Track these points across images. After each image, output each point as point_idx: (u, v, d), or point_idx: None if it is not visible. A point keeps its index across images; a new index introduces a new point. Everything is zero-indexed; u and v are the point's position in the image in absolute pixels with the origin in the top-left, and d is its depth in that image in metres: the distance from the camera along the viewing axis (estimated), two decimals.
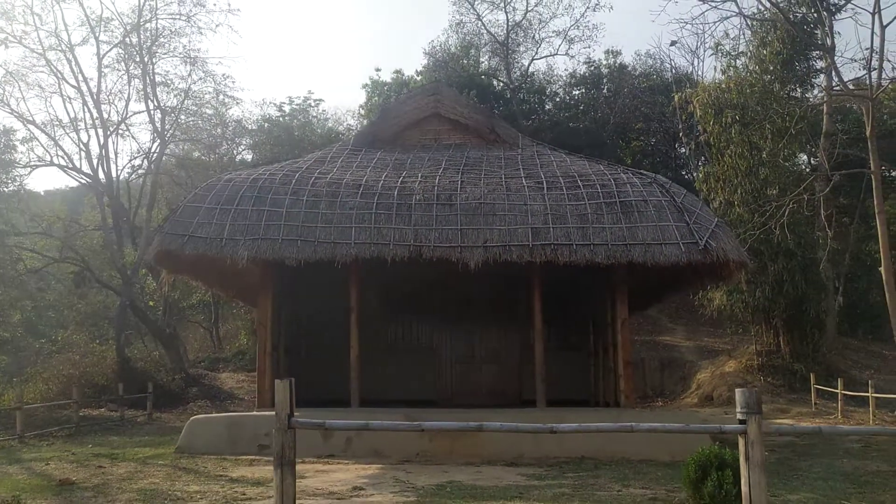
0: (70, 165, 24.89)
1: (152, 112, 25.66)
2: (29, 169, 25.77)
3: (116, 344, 23.05)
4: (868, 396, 16.90)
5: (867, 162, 19.92)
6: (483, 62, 38.33)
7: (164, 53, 25.89)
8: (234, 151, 33.25)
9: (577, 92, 37.43)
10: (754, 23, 23.79)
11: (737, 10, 23.26)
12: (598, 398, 14.46)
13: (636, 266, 11.63)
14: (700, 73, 35.70)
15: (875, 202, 19.48)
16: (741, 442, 4.57)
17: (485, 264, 11.45)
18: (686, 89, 25.09)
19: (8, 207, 25.42)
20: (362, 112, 36.09)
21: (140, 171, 27.69)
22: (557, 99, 37.64)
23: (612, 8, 45.20)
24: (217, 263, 12.24)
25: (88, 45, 32.58)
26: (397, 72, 35.95)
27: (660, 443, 10.09)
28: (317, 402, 11.07)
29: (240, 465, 9.73)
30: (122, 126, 26.02)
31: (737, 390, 4.71)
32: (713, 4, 24.52)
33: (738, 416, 4.59)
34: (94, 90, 24.50)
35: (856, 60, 38.18)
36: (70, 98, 30.35)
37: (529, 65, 37.72)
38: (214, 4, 60.02)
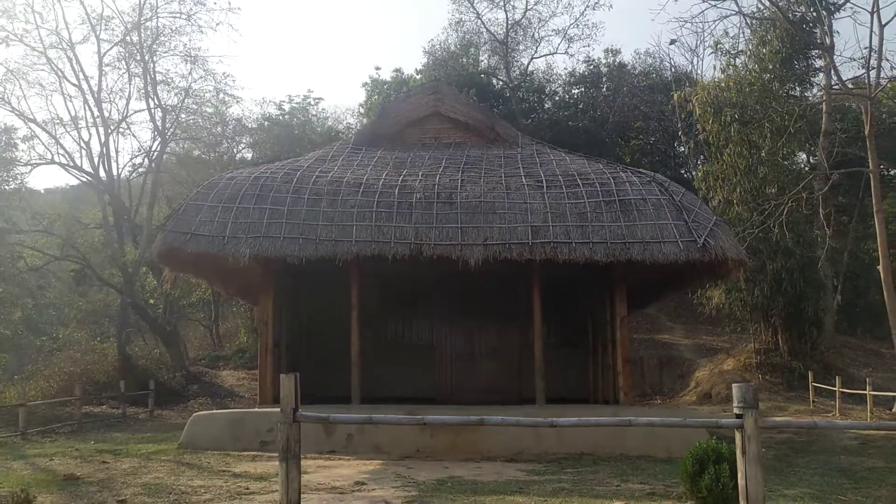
0: (71, 164, 24.98)
1: (153, 110, 25.79)
2: (30, 167, 25.91)
3: (117, 341, 23.15)
4: (866, 394, 17.01)
5: (866, 161, 20.02)
6: (482, 61, 38.41)
7: (165, 52, 26.02)
8: (235, 150, 33.37)
9: (577, 91, 37.50)
10: (754, 21, 23.87)
11: (736, 9, 23.32)
12: (597, 395, 14.55)
13: (635, 264, 11.71)
14: (699, 71, 35.87)
15: (873, 201, 19.60)
16: (738, 436, 4.66)
17: (485, 262, 11.55)
18: (685, 88, 25.16)
19: (9, 205, 25.52)
20: (362, 111, 36.17)
21: (141, 170, 27.80)
22: (557, 98, 37.70)
23: (611, 6, 45.37)
24: (219, 261, 12.32)
25: (89, 44, 32.61)
26: (397, 70, 36.05)
27: (658, 439, 10.20)
28: (318, 399, 11.15)
29: (242, 460, 9.83)
30: (123, 124, 26.16)
31: (734, 385, 4.80)
32: (712, 3, 24.65)
33: (735, 411, 4.68)
34: (95, 88, 24.62)
35: (855, 59, 38.33)
36: (71, 96, 30.59)
37: (529, 63, 37.84)
38: (215, 3, 59.93)
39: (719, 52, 27.49)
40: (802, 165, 29.12)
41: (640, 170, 14.24)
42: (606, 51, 38.07)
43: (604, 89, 36.21)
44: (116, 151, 40.37)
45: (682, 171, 33.77)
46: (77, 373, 20.30)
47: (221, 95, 27.50)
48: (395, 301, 15.39)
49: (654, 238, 11.56)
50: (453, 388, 15.30)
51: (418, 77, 34.80)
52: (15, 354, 26.34)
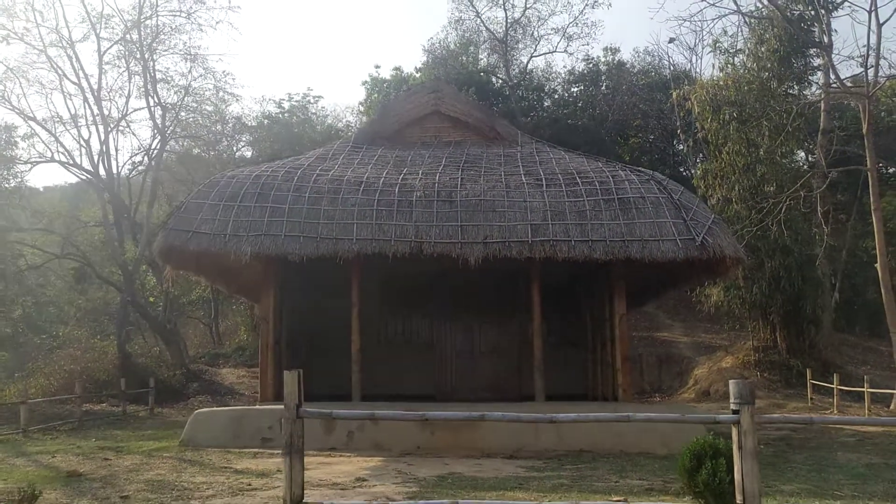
0: (71, 162, 25.03)
1: (153, 109, 25.84)
2: (30, 165, 25.94)
3: (117, 339, 23.19)
4: (863, 392, 17.10)
5: (864, 159, 20.10)
6: (482, 59, 38.45)
7: (165, 50, 26.06)
8: (234, 148, 33.44)
9: (576, 89, 37.54)
10: (752, 20, 23.94)
11: (735, 8, 23.34)
12: (597, 393, 14.62)
13: (634, 262, 11.78)
14: (698, 70, 35.87)
15: (871, 199, 19.68)
16: (734, 431, 4.72)
17: (485, 260, 11.61)
18: (684, 86, 25.21)
19: (9, 203, 25.55)
20: (362, 109, 36.23)
21: (140, 168, 27.84)
22: (556, 96, 37.75)
23: (610, 5, 45.52)
24: (220, 259, 12.39)
25: (89, 42, 32.85)
26: (397, 69, 36.08)
27: (657, 436, 10.28)
28: (318, 397, 11.20)
29: (243, 457, 9.89)
30: (123, 122, 26.20)
31: (730, 381, 4.87)
32: (711, 2, 24.76)
33: (732, 407, 4.75)
34: (95, 87, 24.66)
35: (853, 58, 38.35)
36: (71, 94, 30.68)
37: (528, 62, 37.88)
38: (215, 1, 60.11)
39: (718, 51, 27.62)
40: (801, 164, 29.20)
41: (639, 168, 14.31)
42: (605, 49, 38.19)
43: (603, 88, 36.25)
44: (116, 149, 40.53)
45: (682, 170, 33.83)
46: (77, 371, 20.33)
47: (221, 94, 27.59)
48: (396, 299, 15.45)
49: (653, 236, 11.63)
50: (453, 386, 15.37)
51: (418, 75, 34.85)
52: (15, 352, 26.37)
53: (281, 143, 30.91)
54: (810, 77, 26.20)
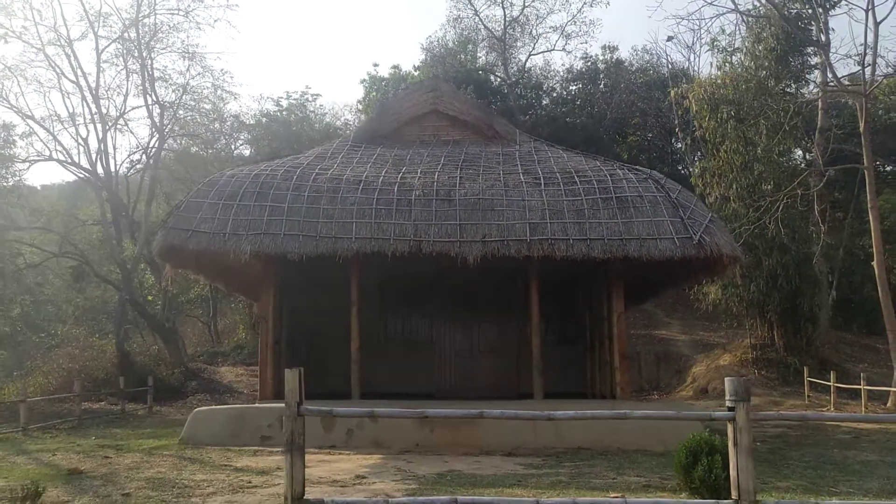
0: (69, 160, 25.03)
1: (151, 107, 25.84)
2: (28, 164, 25.89)
3: (116, 338, 23.21)
4: (860, 389, 17.18)
5: (861, 157, 20.16)
6: (480, 57, 38.49)
7: (163, 48, 26.05)
8: (233, 146, 33.44)
9: (574, 87, 37.59)
10: (750, 19, 23.98)
11: (732, 6, 23.38)
12: (595, 391, 14.69)
13: (632, 260, 11.84)
14: (696, 68, 36.03)
15: (868, 197, 19.74)
16: (730, 428, 4.78)
17: (483, 259, 11.66)
18: (682, 85, 25.27)
19: (7, 202, 25.55)
20: (360, 107, 36.24)
21: (139, 166, 27.84)
22: (554, 94, 37.79)
23: (608, 4, 45.35)
24: (220, 258, 12.42)
25: (87, 41, 32.72)
26: (395, 67, 36.10)
27: (654, 433, 10.33)
28: (317, 395, 11.23)
29: (243, 455, 9.94)
30: (121, 121, 26.20)
31: (726, 379, 4.92)
32: (709, 1, 24.73)
33: (727, 404, 4.80)
34: (93, 85, 24.65)
35: (850, 56, 38.37)
36: (69, 93, 30.65)
37: (526, 60, 37.92)
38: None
39: (716, 50, 27.68)
40: (799, 162, 29.27)
41: (637, 167, 14.37)
42: (604, 47, 38.23)
43: (601, 86, 36.31)
44: (114, 148, 40.63)
45: (680, 168, 33.91)
46: (76, 369, 20.37)
47: (219, 92, 27.57)
48: (395, 298, 15.50)
49: (651, 235, 11.69)
50: (452, 384, 15.42)
51: (416, 74, 34.87)
52: (13, 351, 26.39)
53: (279, 142, 30.93)
54: (807, 75, 26.30)
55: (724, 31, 43.42)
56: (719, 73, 24.95)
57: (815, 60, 25.32)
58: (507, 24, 36.54)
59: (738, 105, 22.50)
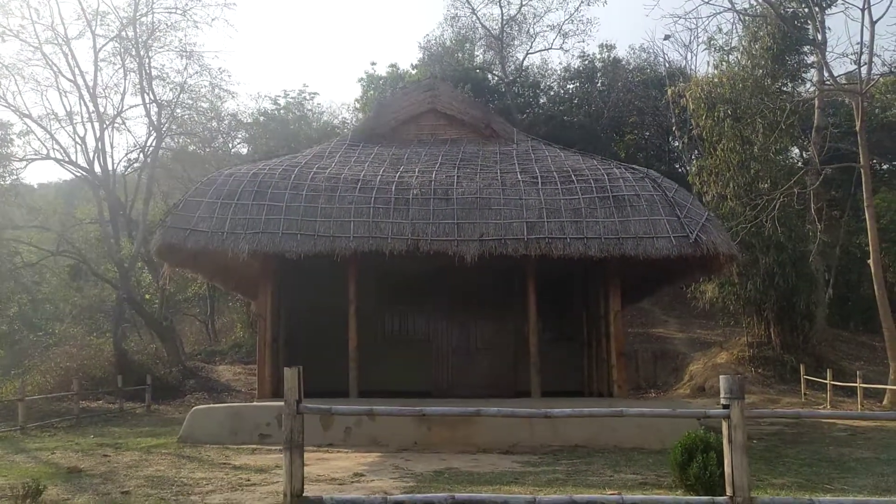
0: (66, 159, 25.03)
1: (148, 106, 25.84)
2: (25, 163, 25.90)
3: (113, 337, 23.22)
4: (856, 387, 17.25)
5: (858, 156, 20.23)
6: (478, 56, 38.51)
7: (160, 47, 26.07)
8: (230, 145, 33.44)
9: (572, 86, 37.62)
10: (746, 18, 24.05)
11: (729, 5, 23.44)
12: (592, 389, 14.73)
13: (628, 259, 11.88)
14: (693, 67, 35.98)
15: (864, 196, 19.82)
16: (724, 426, 4.83)
17: (481, 257, 11.71)
18: (679, 83, 25.33)
19: (5, 201, 25.54)
20: (358, 106, 36.25)
21: (136, 165, 27.85)
22: (552, 93, 37.83)
23: (606, 2, 45.46)
24: (218, 257, 12.45)
25: (85, 39, 32.84)
26: (393, 66, 36.13)
27: (651, 431, 10.38)
28: (315, 393, 11.24)
29: (242, 453, 9.97)
30: (119, 120, 26.19)
31: (721, 377, 4.97)
32: None
33: (722, 402, 4.85)
34: (91, 84, 24.64)
35: (846, 55, 38.51)
36: (66, 92, 30.62)
37: (524, 59, 37.97)
38: None
39: (713, 48, 27.71)
40: (795, 160, 29.35)
41: (634, 166, 14.42)
42: (601, 46, 38.22)
43: (599, 84, 36.35)
44: (112, 147, 40.65)
45: (677, 166, 33.97)
46: (73, 368, 20.38)
47: (217, 90, 27.58)
48: (392, 296, 15.52)
49: (647, 233, 11.74)
50: (450, 383, 15.45)
51: (414, 72, 34.89)
52: (11, 350, 26.38)
53: (277, 140, 30.94)
54: (804, 74, 26.38)
55: (720, 29, 43.47)
56: (716, 71, 25.01)
57: (811, 59, 25.40)
58: (504, 22, 36.59)
59: (735, 104, 22.57)
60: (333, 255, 11.77)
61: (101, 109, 24.94)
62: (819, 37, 23.26)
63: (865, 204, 19.77)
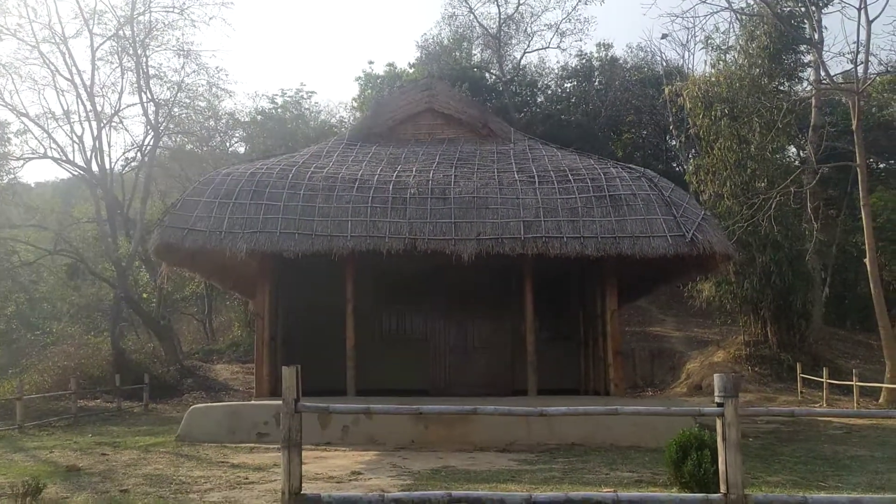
0: (64, 158, 25.03)
1: (146, 104, 25.85)
2: (22, 161, 25.88)
3: (111, 336, 23.24)
4: (853, 385, 17.32)
5: (854, 154, 20.30)
6: (475, 55, 38.53)
7: (158, 46, 26.08)
8: (228, 144, 33.48)
9: (569, 85, 37.67)
10: (743, 17, 24.11)
11: (726, 4, 23.50)
12: (589, 387, 14.78)
13: (625, 258, 11.92)
14: (690, 66, 36.03)
15: (861, 195, 19.90)
16: (718, 423, 4.87)
17: (478, 256, 11.74)
18: (676, 82, 25.38)
19: (2, 200, 25.54)
20: (355, 105, 36.27)
21: (133, 164, 27.85)
22: (549, 92, 37.87)
23: (603, 1, 45.50)
24: (216, 256, 12.48)
25: (82, 38, 32.83)
26: (390, 65, 36.17)
27: (647, 429, 10.44)
28: (313, 392, 11.26)
29: (240, 452, 10.00)
30: (116, 118, 26.21)
31: (715, 376, 5.01)
32: None
33: (716, 400, 4.89)
34: (88, 83, 24.65)
35: (843, 55, 38.58)
36: (63, 91, 30.63)
37: (521, 58, 37.99)
38: None
39: (710, 48, 27.79)
40: (792, 159, 29.42)
41: (630, 165, 14.46)
42: (598, 45, 38.34)
43: (596, 83, 36.39)
44: (109, 146, 40.58)
45: (674, 165, 34.02)
46: (71, 367, 20.40)
47: (214, 89, 27.61)
48: (390, 295, 15.55)
49: (644, 233, 11.78)
50: (447, 381, 15.49)
51: (411, 71, 34.91)
52: (8, 349, 26.41)
53: (274, 139, 30.96)
54: (801, 73, 26.44)
55: (717, 28, 43.57)
56: (713, 70, 25.08)
57: (808, 58, 25.47)
58: (501, 21, 36.61)
59: (732, 103, 22.63)
60: (331, 254, 11.80)
61: (99, 108, 24.98)
62: (815, 36, 23.33)
63: (861, 203, 19.85)
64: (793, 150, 30.12)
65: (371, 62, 38.71)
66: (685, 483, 5.89)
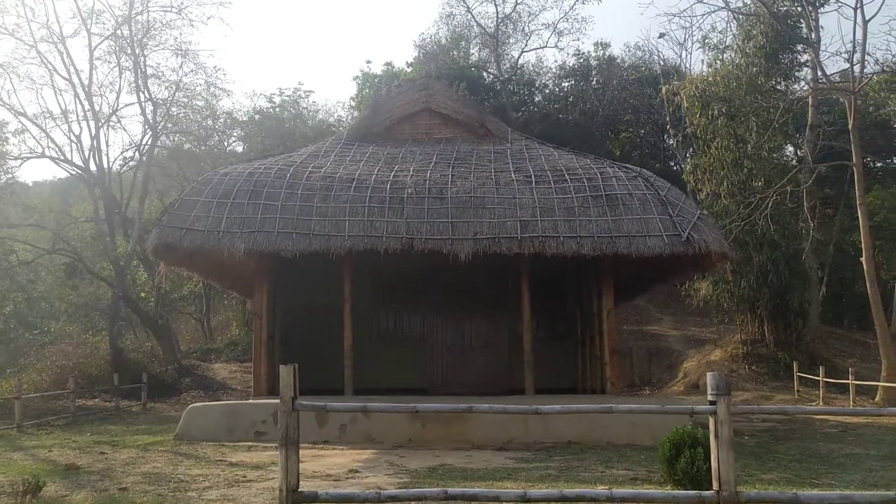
0: (62, 157, 25.04)
1: (144, 104, 25.85)
2: (20, 161, 25.88)
3: (109, 335, 23.25)
4: (849, 383, 17.39)
5: (851, 154, 20.36)
6: (473, 54, 38.56)
7: (156, 46, 26.07)
8: (226, 143, 33.45)
9: (567, 84, 37.71)
10: (740, 16, 24.16)
11: (723, 4, 23.52)
12: (586, 386, 14.84)
13: (621, 257, 11.99)
14: (688, 65, 36.04)
15: (857, 194, 19.96)
16: (711, 421, 4.93)
17: (475, 256, 11.80)
18: (673, 82, 25.42)
19: (0, 199, 25.54)
20: (353, 104, 36.28)
21: (132, 163, 27.85)
22: (547, 91, 37.91)
23: (600, 1, 45.51)
24: (214, 255, 12.52)
25: (80, 38, 32.68)
26: (388, 64, 36.17)
27: (643, 427, 10.49)
28: (311, 391, 11.32)
29: (238, 450, 10.05)
30: (114, 118, 26.21)
31: (708, 374, 5.06)
32: None
33: (709, 398, 4.95)
34: (86, 82, 24.66)
35: (839, 54, 38.67)
36: (61, 90, 30.56)
37: (519, 57, 38.02)
38: None
39: (707, 47, 27.83)
40: (789, 158, 29.49)
41: (627, 165, 14.51)
42: (596, 44, 38.38)
43: (594, 82, 36.42)
44: (107, 145, 40.55)
45: (672, 164, 34.07)
46: (69, 366, 20.42)
47: (212, 89, 27.60)
48: (387, 294, 15.59)
49: (640, 232, 11.84)
50: (445, 380, 15.54)
51: (409, 70, 34.92)
52: (6, 348, 26.43)
53: (272, 138, 30.97)
54: (797, 73, 26.49)
55: (714, 28, 43.71)
56: (710, 70, 25.13)
57: (804, 58, 25.52)
58: (499, 20, 36.63)
59: (729, 102, 22.68)
60: (329, 253, 11.85)
61: (97, 108, 24.99)
62: (812, 35, 23.39)
63: (858, 202, 19.90)
64: (790, 149, 30.20)
65: (369, 61, 38.71)
66: (678, 480, 5.95)
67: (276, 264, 13.09)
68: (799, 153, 29.21)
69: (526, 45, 38.05)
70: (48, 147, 24.99)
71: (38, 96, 54.20)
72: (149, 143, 26.22)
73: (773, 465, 8.82)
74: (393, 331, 15.98)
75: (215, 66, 58.22)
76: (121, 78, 25.69)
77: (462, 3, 36.90)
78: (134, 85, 25.54)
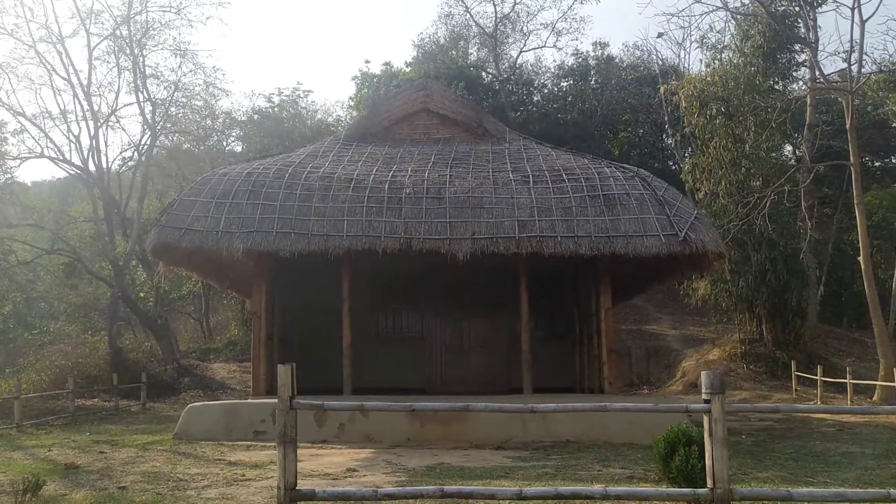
0: (60, 157, 25.04)
1: (142, 104, 25.85)
2: (19, 161, 25.89)
3: (108, 335, 23.27)
4: (846, 383, 17.43)
5: (849, 153, 20.40)
6: (472, 54, 38.58)
7: (155, 46, 26.07)
8: (224, 143, 33.46)
9: (565, 84, 37.72)
10: (738, 16, 24.20)
11: (721, 4, 23.55)
12: (584, 385, 14.88)
13: (619, 257, 12.03)
14: (686, 65, 36.15)
15: (855, 193, 20.00)
16: (706, 420, 4.97)
17: (473, 256, 11.84)
18: (672, 81, 25.45)
19: None
20: (352, 104, 36.32)
21: (130, 163, 27.85)
22: (546, 91, 37.92)
23: (599, 0, 45.59)
24: (213, 255, 12.56)
25: (79, 37, 32.81)
26: (386, 64, 36.21)
27: (640, 426, 10.52)
28: (309, 390, 11.35)
29: (236, 449, 10.09)
30: (113, 118, 26.18)
31: (702, 373, 5.10)
32: None
33: (703, 397, 4.99)
34: (85, 82, 24.65)
35: (837, 54, 38.72)
36: (60, 90, 30.56)
37: (518, 57, 38.03)
38: None
39: (705, 47, 27.87)
40: (787, 158, 29.52)
41: (624, 165, 14.56)
42: (595, 44, 38.32)
43: (592, 82, 36.43)
44: (106, 145, 40.53)
45: (671, 163, 34.10)
46: (68, 366, 20.43)
47: (211, 89, 27.63)
48: (386, 294, 15.64)
49: (637, 232, 11.88)
50: (443, 380, 15.58)
51: (408, 70, 34.95)
52: (5, 348, 26.46)
53: (271, 138, 31.00)
54: (795, 72, 26.53)
55: (713, 28, 43.66)
56: (708, 69, 25.17)
57: (802, 57, 25.56)
58: (498, 20, 36.65)
59: (727, 102, 22.72)
60: (327, 253, 11.88)
61: (96, 108, 24.99)
62: (810, 35, 23.44)
63: (856, 201, 19.94)
64: (788, 148, 30.22)
65: (368, 61, 38.68)
66: (673, 478, 5.99)
67: (274, 264, 13.13)
68: (797, 153, 29.25)
69: (524, 45, 38.12)
70: (47, 147, 25.04)
71: (37, 96, 54.27)
72: (148, 143, 26.26)
73: (769, 463, 8.86)
74: (391, 330, 16.02)
75: (214, 66, 58.40)
76: (119, 78, 25.73)
77: (461, 2, 36.94)
78: (133, 85, 25.59)
